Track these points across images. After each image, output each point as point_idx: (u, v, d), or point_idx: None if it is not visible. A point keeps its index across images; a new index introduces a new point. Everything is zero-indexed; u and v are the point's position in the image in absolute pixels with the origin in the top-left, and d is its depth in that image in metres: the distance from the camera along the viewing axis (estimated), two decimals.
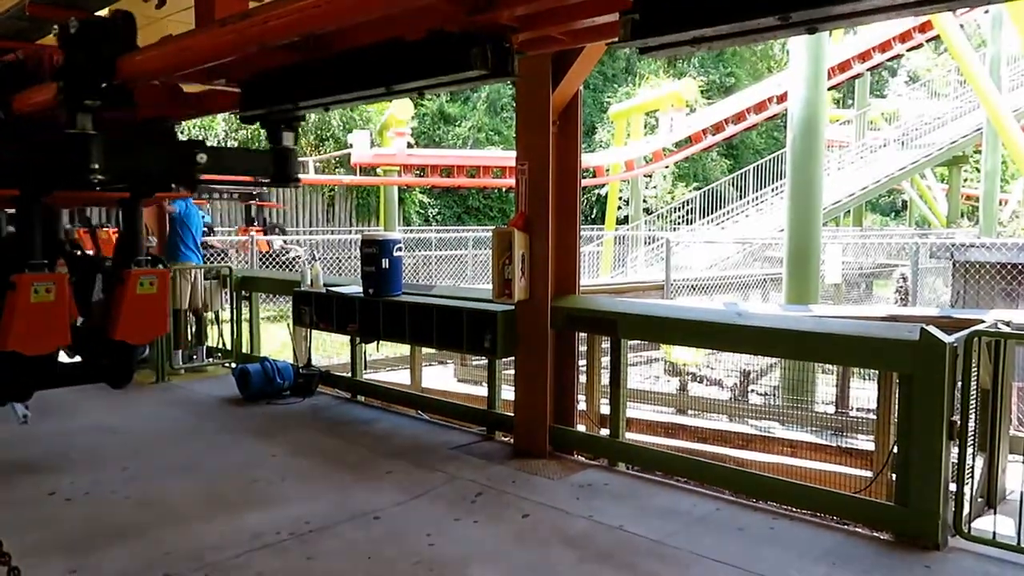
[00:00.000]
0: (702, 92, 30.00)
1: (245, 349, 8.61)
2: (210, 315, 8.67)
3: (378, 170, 22.36)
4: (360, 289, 6.54)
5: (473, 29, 4.57)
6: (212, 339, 8.83)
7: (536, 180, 5.30)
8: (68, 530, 4.19)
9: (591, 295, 6.30)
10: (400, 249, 6.46)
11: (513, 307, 5.43)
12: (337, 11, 4.07)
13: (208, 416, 6.67)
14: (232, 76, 5.99)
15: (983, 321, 4.54)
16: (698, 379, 9.17)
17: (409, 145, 22.95)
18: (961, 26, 20.44)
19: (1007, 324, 4.46)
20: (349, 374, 7.41)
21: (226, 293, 8.61)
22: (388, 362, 10.31)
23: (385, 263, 6.31)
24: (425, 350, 8.26)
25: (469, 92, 32.86)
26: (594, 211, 30.32)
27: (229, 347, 8.63)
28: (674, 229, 24.18)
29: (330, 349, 10.76)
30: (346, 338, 7.60)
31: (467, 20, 4.50)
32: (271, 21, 4.59)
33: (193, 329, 8.44)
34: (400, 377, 8.80)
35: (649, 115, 25.33)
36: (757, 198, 23.79)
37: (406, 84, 5.06)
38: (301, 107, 5.73)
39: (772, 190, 22.76)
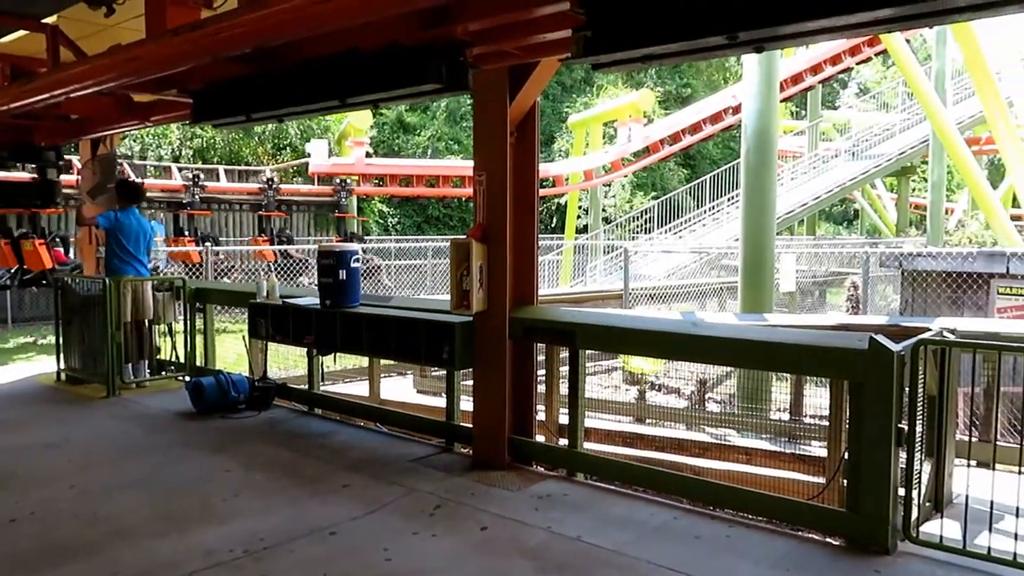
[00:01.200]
0: (659, 103, 30.42)
1: (199, 362, 8.46)
2: (163, 327, 8.51)
3: (336, 179, 22.22)
4: (317, 301, 6.49)
5: (428, 43, 4.59)
6: (165, 352, 8.67)
7: (494, 191, 5.32)
8: (13, 552, 4.07)
9: (550, 305, 6.33)
10: (358, 260, 6.42)
11: (471, 318, 5.43)
12: (290, 23, 4.06)
13: (160, 431, 6.54)
14: (184, 86, 5.94)
15: (929, 329, 4.66)
16: (656, 388, 9.26)
17: (368, 154, 22.84)
18: (908, 41, 21.06)
19: (952, 332, 4.58)
20: (306, 387, 7.33)
21: (180, 305, 8.46)
22: (346, 374, 10.22)
23: (342, 274, 6.27)
24: (384, 361, 8.21)
25: (429, 102, 32.85)
26: (554, 220, 30.48)
27: (183, 360, 8.47)
28: (633, 238, 24.43)
29: (287, 361, 10.63)
30: (303, 350, 7.52)
31: (422, 34, 4.53)
32: (223, 32, 4.56)
33: (137, 343, 8.24)
34: (358, 389, 8.73)
35: (607, 125, 25.61)
36: (714, 207, 24.18)
37: (361, 97, 5.07)
38: (254, 118, 5.69)
39: (728, 200, 23.14)
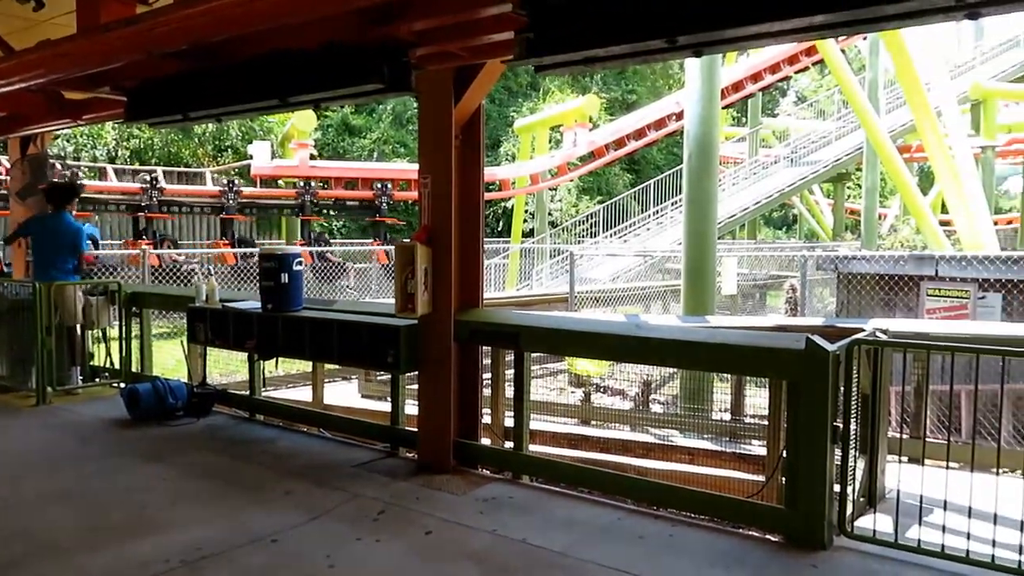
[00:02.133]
0: (605, 109, 30.75)
1: (136, 368, 8.22)
2: (97, 333, 8.24)
3: (279, 182, 21.86)
4: (259, 304, 6.36)
5: (371, 43, 4.55)
6: (99, 358, 8.40)
7: (439, 194, 5.29)
8: None
9: (495, 308, 6.33)
10: (300, 263, 6.32)
11: (416, 321, 5.39)
12: (228, 20, 3.97)
13: (93, 440, 6.32)
14: (117, 83, 5.77)
15: (863, 330, 4.80)
16: (601, 390, 9.34)
17: (312, 157, 22.54)
18: (843, 51, 21.72)
19: (884, 332, 4.72)
20: (247, 392, 7.18)
21: (115, 310, 8.20)
22: (289, 379, 10.05)
23: (284, 277, 6.16)
24: (328, 366, 8.10)
25: (374, 104, 32.61)
26: (501, 224, 30.53)
27: (118, 366, 8.22)
28: (579, 242, 24.63)
29: (228, 367, 10.41)
30: (245, 355, 7.37)
31: (365, 34, 4.48)
32: (159, 28, 4.45)
33: (68, 349, 7.97)
34: (302, 394, 8.59)
35: (554, 130, 25.78)
36: (658, 212, 24.53)
37: (302, 96, 5.00)
38: (192, 117, 5.56)
39: (672, 204, 23.51)
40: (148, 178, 18.92)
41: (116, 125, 23.10)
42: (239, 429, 6.69)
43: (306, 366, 8.60)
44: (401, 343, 5.36)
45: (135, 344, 8.24)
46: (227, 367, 10.38)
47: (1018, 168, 30.55)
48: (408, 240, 5.36)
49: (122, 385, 7.75)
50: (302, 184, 20.80)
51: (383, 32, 4.40)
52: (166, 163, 24.07)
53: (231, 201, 19.69)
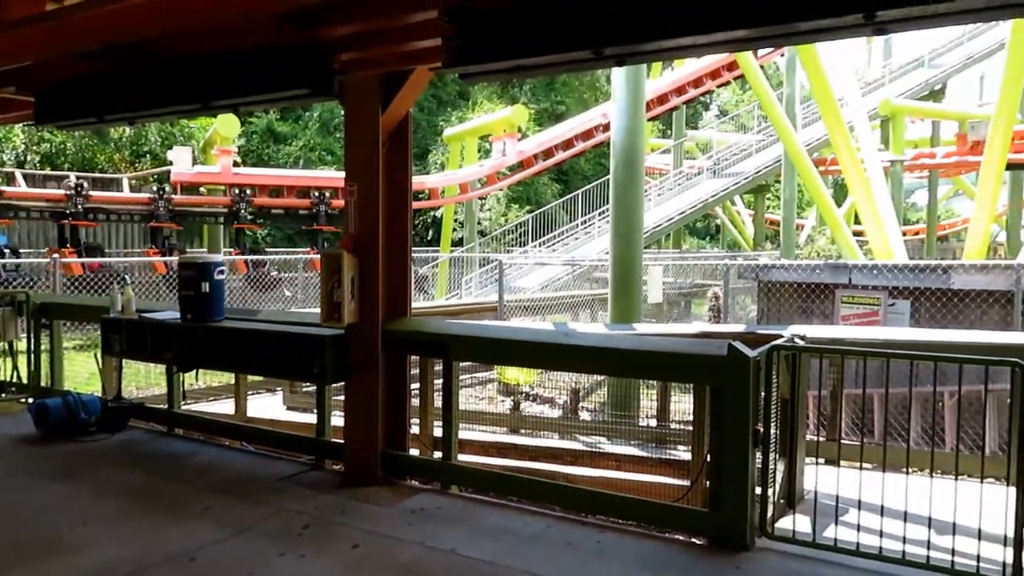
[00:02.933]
0: (534, 119, 31.01)
1: (45, 382, 7.84)
2: (3, 346, 7.83)
3: (201, 189, 21.24)
4: (178, 315, 6.16)
5: (296, 46, 4.48)
6: (5, 373, 7.98)
7: (366, 202, 5.23)
8: None
9: (424, 317, 6.28)
10: (222, 272, 6.14)
11: (343, 331, 5.30)
12: (146, 19, 3.85)
13: None
14: (26, 84, 5.51)
15: (782, 336, 4.95)
16: (531, 398, 9.36)
17: (236, 164, 21.99)
18: (762, 67, 22.50)
19: (802, 338, 4.88)
20: (166, 406, 6.93)
21: (23, 321, 7.81)
22: (211, 391, 9.74)
23: (205, 287, 5.98)
24: (252, 378, 7.88)
25: (300, 110, 32.09)
26: (430, 233, 30.37)
27: (26, 381, 7.82)
28: (508, 251, 24.70)
29: (147, 380, 10.03)
30: (163, 368, 7.11)
31: (290, 37, 4.41)
32: (72, 26, 4.27)
33: None
34: (224, 407, 8.34)
35: (483, 139, 25.82)
36: (586, 222, 24.83)
37: (224, 100, 4.88)
38: (107, 119, 5.36)
39: (599, 214, 23.84)
40: (74, 184, 18.03)
41: (25, 127, 22.07)
42: (156, 444, 6.45)
43: (229, 378, 8.35)
44: (327, 353, 5.27)
45: (44, 357, 7.87)
46: (145, 380, 10.00)
47: (924, 182, 32.11)
48: (334, 248, 5.27)
49: (30, 400, 7.38)
50: (236, 192, 20.26)
51: (308, 36, 4.33)
52: (80, 168, 23.09)
53: (162, 209, 19.04)
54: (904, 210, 31.74)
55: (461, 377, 5.54)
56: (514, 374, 9.22)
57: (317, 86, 4.49)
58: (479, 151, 25.94)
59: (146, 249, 19.57)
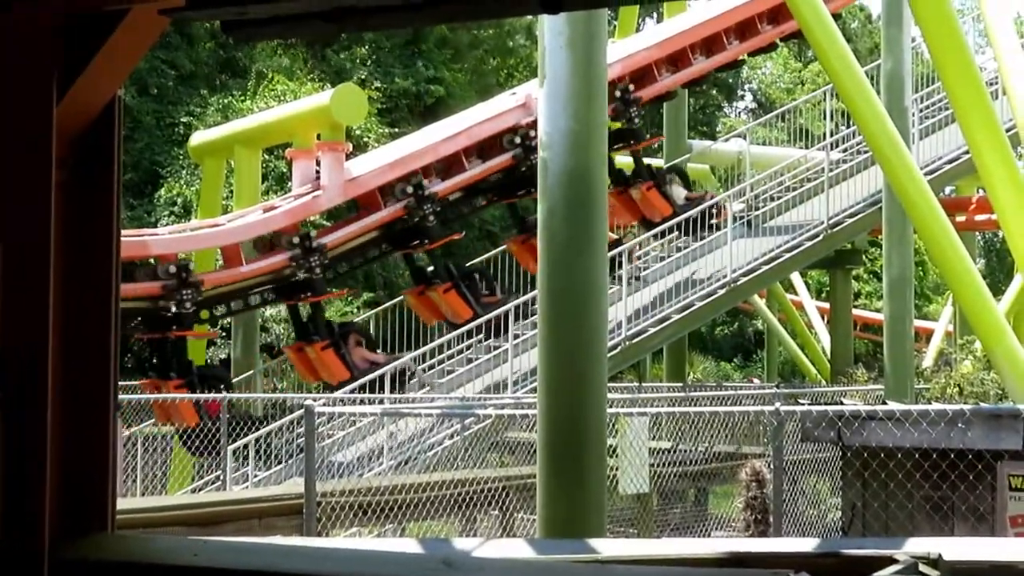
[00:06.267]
0: (379, 112, 21.76)
1: None
2: None
3: None
4: None
5: None
6: None
7: (17, 280, 2.56)
8: None
9: (146, 532, 3.53)
10: None
11: None
12: None
13: None
14: None
15: (897, 563, 2.45)
16: None
17: None
18: (836, 17, 12.93)
19: (935, 564, 2.41)
20: None
21: None
22: None
23: None
24: None
25: None
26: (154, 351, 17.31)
27: None
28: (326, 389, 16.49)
29: None
30: None
31: None
32: None
33: None
34: None
35: (274, 154, 17.19)
36: (487, 331, 19.11)
37: None
38: None
39: (517, 313, 17.95)
40: (175, 269, 11.26)
41: None
42: None
43: None
44: None
45: None
46: None
47: None
48: None
49: None
50: None
51: None
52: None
53: None
54: None
55: None
56: None
57: None
58: (267, 177, 15.28)
59: None
